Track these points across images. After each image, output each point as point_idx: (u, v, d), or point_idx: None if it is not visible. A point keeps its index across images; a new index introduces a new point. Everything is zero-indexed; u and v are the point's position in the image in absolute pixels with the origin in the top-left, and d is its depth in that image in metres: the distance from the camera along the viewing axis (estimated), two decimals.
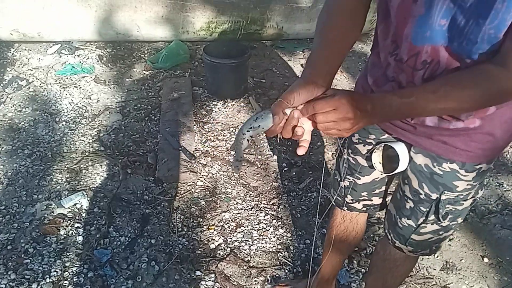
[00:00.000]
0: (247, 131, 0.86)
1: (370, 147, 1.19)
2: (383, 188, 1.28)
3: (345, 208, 1.36)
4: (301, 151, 0.90)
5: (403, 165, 1.10)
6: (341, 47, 0.96)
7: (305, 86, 0.86)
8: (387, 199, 1.32)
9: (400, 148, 1.09)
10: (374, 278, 1.42)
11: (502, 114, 0.93)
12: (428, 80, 0.89)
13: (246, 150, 0.92)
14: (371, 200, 1.30)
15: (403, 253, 1.23)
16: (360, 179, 1.26)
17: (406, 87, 0.94)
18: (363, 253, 1.96)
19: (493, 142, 0.97)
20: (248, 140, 0.87)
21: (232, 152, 0.94)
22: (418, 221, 1.13)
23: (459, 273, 1.91)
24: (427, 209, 1.09)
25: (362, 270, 1.88)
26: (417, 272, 1.89)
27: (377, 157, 1.17)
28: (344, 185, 1.30)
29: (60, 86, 3.12)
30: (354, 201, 1.32)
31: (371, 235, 2.05)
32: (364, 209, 1.34)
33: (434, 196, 1.07)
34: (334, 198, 1.38)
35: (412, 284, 1.84)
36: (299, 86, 0.86)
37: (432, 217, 1.10)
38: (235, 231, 2.04)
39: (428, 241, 1.17)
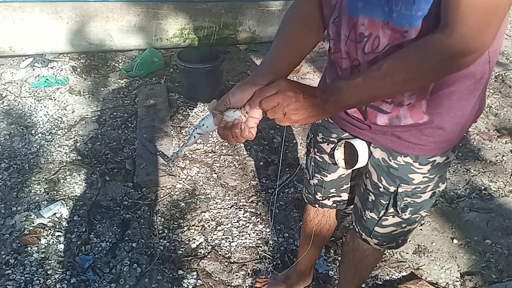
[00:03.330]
0: (195, 129, 0.94)
1: (333, 145, 1.23)
2: (350, 183, 1.32)
3: (317, 205, 1.40)
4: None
5: (362, 160, 1.14)
6: (291, 50, 1.00)
7: (240, 86, 0.89)
8: (355, 193, 1.37)
9: (359, 144, 1.14)
10: (346, 268, 1.47)
11: (450, 108, 0.95)
12: (369, 55, 0.90)
13: (192, 147, 1.02)
14: (340, 196, 1.35)
15: (370, 245, 1.28)
16: (327, 176, 1.30)
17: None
18: (339, 242, 2.03)
19: (444, 135, 1.00)
20: (194, 136, 0.95)
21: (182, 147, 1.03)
22: (379, 213, 1.17)
23: (430, 255, 2.00)
24: (387, 202, 1.13)
25: (339, 258, 1.95)
26: (391, 256, 1.97)
27: (339, 154, 1.22)
28: (314, 183, 1.35)
29: (34, 99, 3.11)
30: (324, 198, 1.36)
31: (347, 225, 2.12)
32: (334, 205, 1.38)
33: (392, 189, 1.11)
34: (306, 196, 1.43)
35: (387, 268, 1.92)
36: (235, 87, 0.90)
37: (391, 209, 1.14)
38: (216, 230, 2.09)
39: (392, 234, 1.21)
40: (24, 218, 2.12)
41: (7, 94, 3.17)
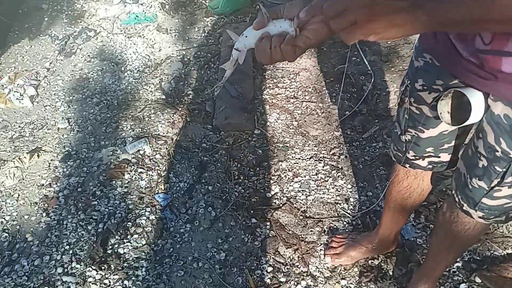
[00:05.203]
0: (236, 42, 0.79)
1: (437, 94, 1.00)
2: (453, 142, 1.09)
3: (407, 165, 1.20)
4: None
5: (476, 115, 0.91)
6: None
7: None
8: (459, 154, 1.13)
9: (474, 95, 0.90)
10: (440, 240, 1.28)
11: None
12: None
13: (234, 67, 0.84)
14: (439, 157, 1.13)
15: (472, 218, 1.07)
16: (424, 132, 1.08)
17: None
18: (433, 208, 1.80)
19: None
20: (232, 55, 0.81)
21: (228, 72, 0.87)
22: (491, 182, 0.95)
23: None
24: (504, 169, 0.91)
25: (430, 226, 1.73)
26: (495, 230, 1.70)
27: (444, 106, 0.99)
28: (406, 139, 1.14)
29: (125, 36, 3.17)
30: (417, 157, 1.15)
31: (443, 189, 1.86)
32: (430, 166, 1.17)
33: None
34: (394, 153, 1.23)
35: (488, 242, 1.66)
36: None
37: (509, 179, 0.91)
38: (292, 181, 1.98)
39: (503, 206, 0.99)
40: (111, 152, 2.21)
41: (101, 31, 3.26)
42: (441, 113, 1.00)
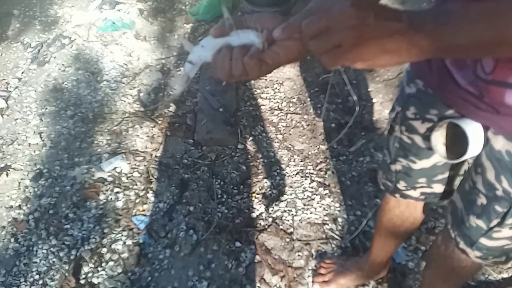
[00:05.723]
0: (190, 53, 0.68)
1: (430, 124, 0.92)
2: (447, 173, 1.01)
3: (397, 195, 1.12)
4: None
5: (474, 148, 0.83)
6: None
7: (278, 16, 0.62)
8: (454, 185, 1.05)
9: (472, 127, 0.82)
10: (433, 274, 1.20)
11: None
12: None
13: (187, 84, 0.71)
14: (431, 188, 1.04)
15: (469, 257, 0.98)
16: (416, 163, 1.00)
17: None
18: (424, 228, 1.73)
19: None
20: (190, 62, 0.68)
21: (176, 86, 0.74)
22: (490, 222, 0.87)
23: None
24: (505, 210, 0.83)
25: (422, 247, 1.66)
26: None
27: (439, 137, 0.90)
28: (396, 169, 1.06)
29: (101, 44, 3.03)
30: (408, 188, 1.07)
31: (434, 207, 1.80)
32: (422, 197, 1.08)
33: None
34: (383, 182, 1.14)
35: (483, 266, 1.60)
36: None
37: (510, 220, 0.83)
38: (278, 200, 1.89)
39: (503, 248, 0.91)
40: (85, 170, 2.08)
41: (76, 38, 3.11)
42: (435, 146, 0.92)
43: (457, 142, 0.89)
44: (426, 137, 0.94)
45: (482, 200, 0.87)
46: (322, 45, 0.52)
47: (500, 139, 0.79)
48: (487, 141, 0.82)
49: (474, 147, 0.83)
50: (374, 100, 2.37)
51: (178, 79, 0.73)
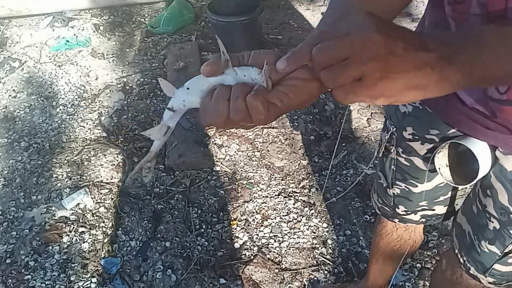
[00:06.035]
0: (171, 98, 0.52)
1: (432, 145, 0.84)
2: (450, 194, 0.94)
3: (396, 220, 1.04)
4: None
5: (484, 170, 0.76)
6: None
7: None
8: (456, 204, 0.97)
9: (479, 147, 0.74)
10: None
11: None
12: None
13: (168, 135, 0.52)
14: (433, 210, 0.97)
15: (480, 283, 0.90)
16: (417, 186, 0.92)
17: None
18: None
19: None
20: (170, 109, 0.52)
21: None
22: (505, 248, 0.80)
23: None
24: None
25: (417, 265, 1.56)
26: None
27: (442, 158, 0.82)
28: (394, 193, 0.98)
29: (55, 65, 2.80)
30: (408, 212, 0.99)
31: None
32: (423, 220, 1.01)
33: None
34: (379, 206, 1.05)
35: None
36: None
37: None
38: (261, 225, 1.75)
39: None
40: (45, 210, 1.87)
41: (27, 60, 2.87)
42: (439, 168, 0.83)
43: (460, 163, 0.82)
44: (426, 159, 0.87)
45: (494, 224, 0.80)
46: (338, 78, 0.42)
47: (511, 159, 0.72)
48: (495, 160, 0.75)
49: (484, 168, 0.76)
50: (351, 108, 2.28)
51: (155, 131, 0.55)
